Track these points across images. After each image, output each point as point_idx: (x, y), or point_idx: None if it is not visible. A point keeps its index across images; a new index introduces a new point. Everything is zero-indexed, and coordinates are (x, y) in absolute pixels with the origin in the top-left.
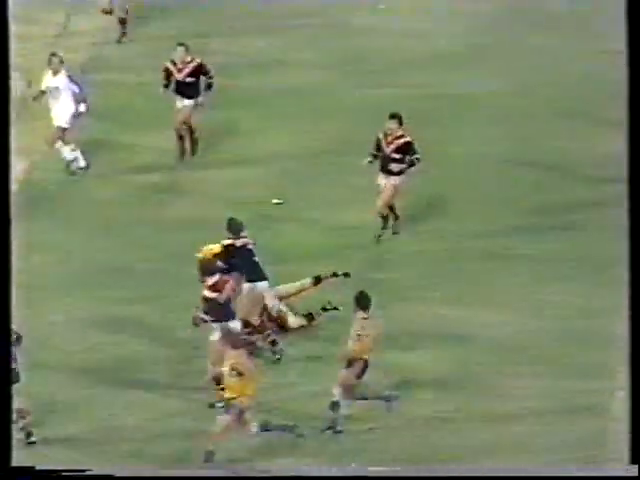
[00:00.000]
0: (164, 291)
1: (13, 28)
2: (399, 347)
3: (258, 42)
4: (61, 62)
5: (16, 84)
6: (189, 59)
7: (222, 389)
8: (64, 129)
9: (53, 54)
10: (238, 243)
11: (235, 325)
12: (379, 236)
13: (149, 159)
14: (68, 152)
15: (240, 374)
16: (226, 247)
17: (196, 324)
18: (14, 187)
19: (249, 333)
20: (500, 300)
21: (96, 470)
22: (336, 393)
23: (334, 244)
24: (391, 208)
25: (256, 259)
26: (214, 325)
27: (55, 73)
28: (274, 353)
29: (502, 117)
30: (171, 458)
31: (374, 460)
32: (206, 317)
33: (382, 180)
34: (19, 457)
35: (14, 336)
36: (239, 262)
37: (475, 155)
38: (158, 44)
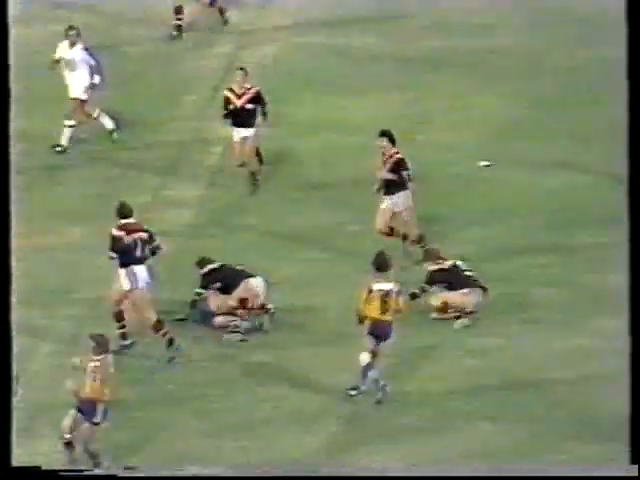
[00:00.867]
0: None
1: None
2: None
3: None
4: (78, 35)
5: None
6: (248, 85)
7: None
8: (83, 101)
9: (70, 27)
10: None
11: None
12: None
13: None
14: (108, 121)
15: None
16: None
17: None
18: None
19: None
20: None
21: (96, 470)
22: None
23: None
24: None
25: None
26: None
27: (72, 45)
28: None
29: None
30: None
31: None
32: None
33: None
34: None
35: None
36: None
37: None
38: None
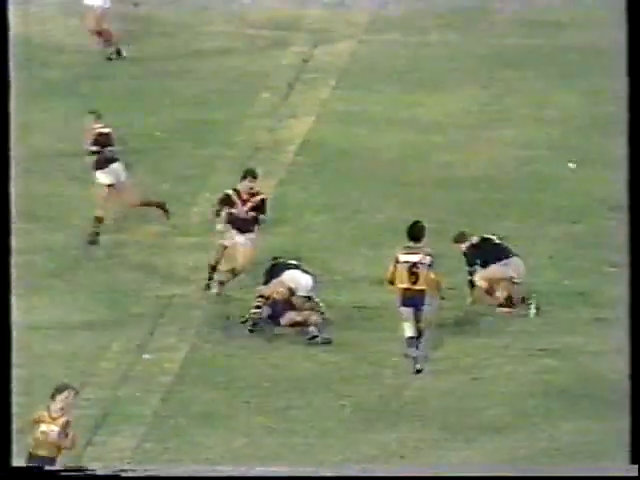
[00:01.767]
0: None
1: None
2: None
3: None
4: None
5: None
6: (254, 190)
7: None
8: (106, 8)
9: None
10: None
11: None
12: None
13: None
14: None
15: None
16: None
17: None
18: None
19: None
20: None
21: (96, 470)
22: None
23: None
24: None
25: None
26: None
27: None
28: None
29: None
30: None
31: None
32: None
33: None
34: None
35: None
36: None
37: None
38: None
